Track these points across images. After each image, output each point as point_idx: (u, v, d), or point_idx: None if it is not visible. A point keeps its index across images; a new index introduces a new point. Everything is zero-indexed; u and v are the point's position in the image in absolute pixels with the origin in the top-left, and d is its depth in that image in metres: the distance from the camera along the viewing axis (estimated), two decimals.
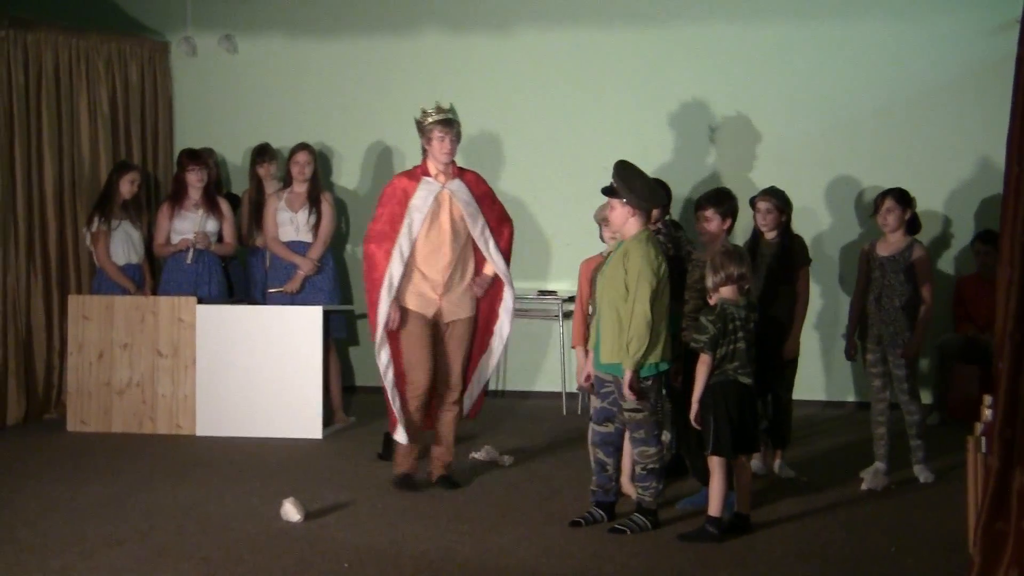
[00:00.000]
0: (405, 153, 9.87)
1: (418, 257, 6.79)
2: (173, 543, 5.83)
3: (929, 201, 8.14)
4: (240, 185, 9.54)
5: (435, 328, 6.88)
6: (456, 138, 6.82)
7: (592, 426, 6.19)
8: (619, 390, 5.95)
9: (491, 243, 6.89)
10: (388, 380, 6.84)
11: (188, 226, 8.64)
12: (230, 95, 10.28)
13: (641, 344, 5.83)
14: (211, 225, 8.70)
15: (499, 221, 6.99)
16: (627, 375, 5.85)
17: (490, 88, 9.81)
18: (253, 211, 9.03)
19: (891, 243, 6.96)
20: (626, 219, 5.98)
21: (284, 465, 7.49)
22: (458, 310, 6.88)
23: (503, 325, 7.06)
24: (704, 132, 9.42)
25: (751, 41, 9.35)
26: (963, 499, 5.60)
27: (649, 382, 5.96)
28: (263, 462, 7.57)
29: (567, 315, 9.56)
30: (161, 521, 6.21)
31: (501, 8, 9.81)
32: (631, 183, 5.97)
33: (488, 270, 6.95)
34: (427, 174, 6.84)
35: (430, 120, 6.77)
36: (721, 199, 6.81)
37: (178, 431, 8.40)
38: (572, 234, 9.61)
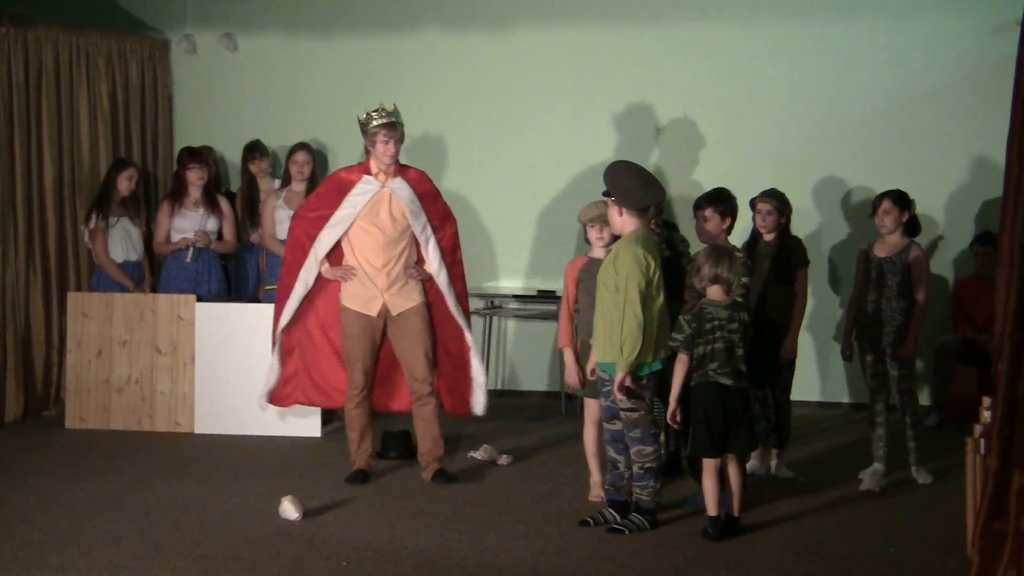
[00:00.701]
0: (402, 152, 9.84)
1: (358, 256, 6.93)
2: (171, 540, 5.83)
3: (927, 202, 8.12)
4: (238, 183, 9.54)
5: (382, 328, 6.98)
6: (400, 140, 6.94)
7: (604, 424, 6.19)
8: (611, 392, 5.98)
9: (431, 242, 6.99)
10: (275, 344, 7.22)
11: (188, 224, 8.64)
12: (230, 93, 10.27)
13: (634, 345, 5.83)
14: (211, 223, 8.70)
15: (442, 219, 7.09)
16: (619, 376, 5.86)
17: (489, 87, 9.81)
18: (246, 207, 9.03)
19: (889, 244, 6.96)
20: (621, 219, 6.00)
21: (282, 463, 7.49)
22: (404, 301, 6.96)
23: (464, 330, 7.15)
24: (703, 132, 9.41)
25: (748, 41, 9.33)
26: (961, 500, 5.60)
27: (643, 381, 5.96)
28: (261, 460, 7.58)
29: None
30: (159, 518, 6.21)
31: (501, 7, 9.80)
32: (620, 183, 5.98)
33: (427, 268, 7.06)
34: (368, 172, 6.96)
35: (375, 123, 6.87)
36: (720, 199, 6.84)
37: (176, 428, 8.40)
38: (571, 233, 9.59)
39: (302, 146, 8.78)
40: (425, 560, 5.55)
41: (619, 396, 5.87)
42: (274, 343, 7.29)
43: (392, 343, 7.06)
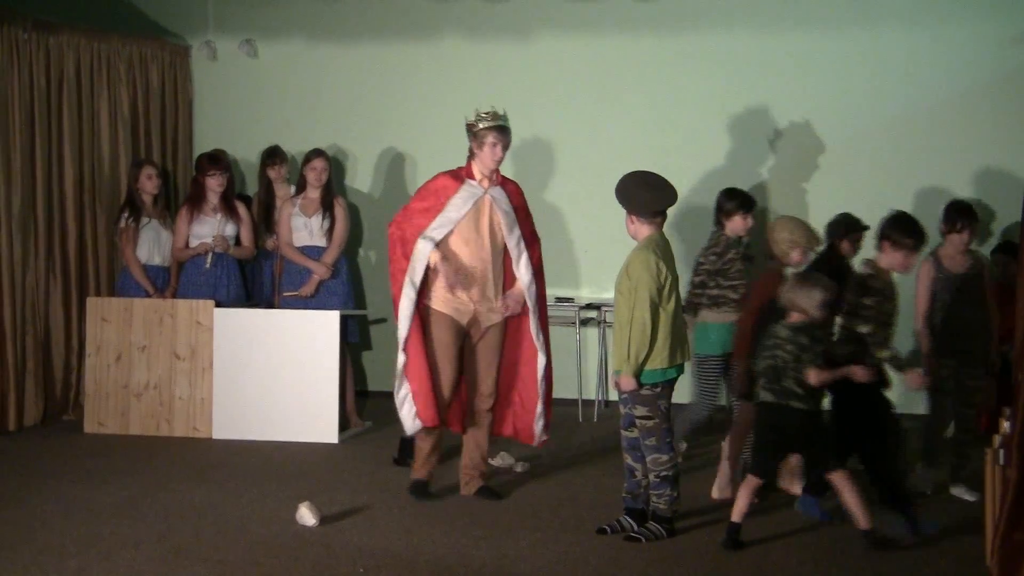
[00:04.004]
0: (420, 159, 9.89)
1: (455, 261, 6.71)
2: (190, 545, 5.85)
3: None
4: (254, 187, 9.56)
5: (466, 337, 6.80)
6: (507, 146, 6.72)
7: (622, 432, 6.20)
8: (630, 397, 6.00)
9: (524, 256, 6.79)
10: (399, 365, 6.67)
11: (207, 230, 8.67)
12: (250, 99, 10.31)
13: (639, 349, 5.86)
14: (230, 229, 8.73)
15: (531, 236, 6.91)
16: (622, 378, 5.92)
17: (510, 95, 9.74)
18: (263, 213, 9.06)
19: (959, 258, 6.93)
20: (634, 227, 6.05)
21: (300, 469, 7.50)
22: (493, 315, 6.80)
23: (540, 348, 6.87)
24: (722, 140, 9.40)
25: (769, 51, 9.32)
26: (981, 510, 5.57)
27: (658, 389, 5.97)
28: (279, 466, 7.59)
29: (584, 322, 9.56)
30: (178, 523, 6.23)
31: (521, 15, 9.81)
32: (630, 193, 6.00)
33: (517, 287, 6.82)
34: (471, 176, 6.77)
35: (484, 125, 6.65)
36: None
37: (195, 434, 8.42)
38: (591, 241, 9.61)
39: (320, 153, 8.78)
40: (443, 567, 5.55)
41: (620, 388, 5.96)
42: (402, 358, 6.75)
43: (467, 354, 6.86)
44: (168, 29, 10.36)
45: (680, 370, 6.05)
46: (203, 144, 10.04)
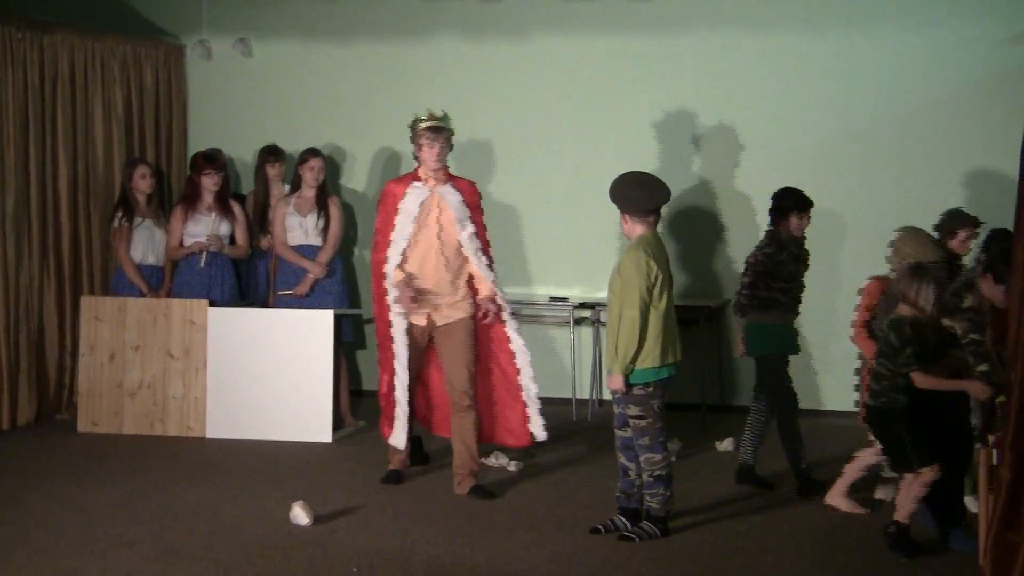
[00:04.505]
0: (414, 159, 9.87)
1: (410, 262, 6.88)
2: (184, 545, 5.85)
3: (938, 212, 8.01)
4: (249, 186, 9.55)
5: (428, 337, 6.98)
6: (447, 145, 6.91)
7: (616, 431, 6.20)
8: (623, 397, 6.02)
9: (481, 255, 6.95)
10: (400, 383, 6.95)
11: (201, 229, 8.66)
12: (244, 98, 10.30)
13: (628, 348, 5.88)
14: (224, 228, 8.73)
15: (484, 235, 7.05)
16: (612, 377, 5.95)
17: (504, 94, 9.82)
18: (259, 212, 9.05)
19: None
20: (628, 226, 6.07)
21: (294, 468, 7.51)
22: (452, 312, 6.94)
23: (515, 340, 7.07)
24: (718, 140, 9.41)
25: (760, 50, 9.32)
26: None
27: (650, 388, 5.98)
28: (273, 465, 7.59)
29: (578, 321, 9.56)
30: (172, 523, 6.23)
31: (516, 15, 9.80)
32: (621, 193, 6.05)
33: (483, 289, 6.97)
34: (417, 179, 6.94)
35: (420, 127, 6.87)
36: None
37: (188, 433, 8.42)
38: (584, 240, 9.60)
39: (316, 152, 8.77)
40: (437, 567, 5.56)
41: (610, 387, 5.99)
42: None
43: (437, 355, 7.06)
44: (162, 28, 10.34)
45: (673, 370, 6.05)
46: (197, 143, 10.03)
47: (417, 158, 6.96)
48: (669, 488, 6.05)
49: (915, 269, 5.87)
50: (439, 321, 6.93)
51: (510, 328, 7.06)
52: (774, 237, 6.98)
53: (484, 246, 7.02)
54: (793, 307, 7.01)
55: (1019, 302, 4.62)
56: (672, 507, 6.12)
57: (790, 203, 6.97)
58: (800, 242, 7.05)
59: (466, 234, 6.90)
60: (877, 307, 6.46)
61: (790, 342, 7.04)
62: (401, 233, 6.86)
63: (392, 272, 6.87)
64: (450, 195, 6.91)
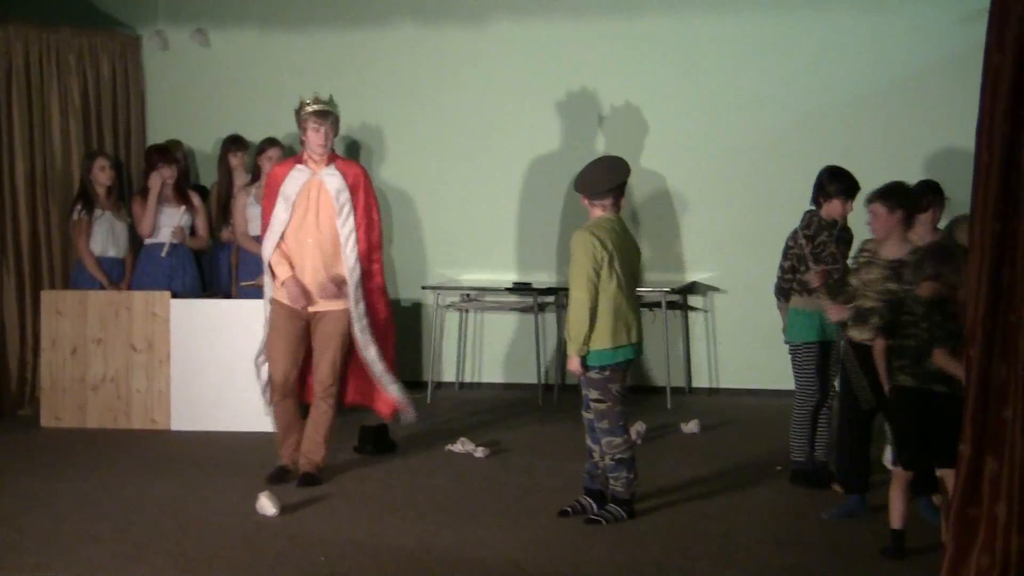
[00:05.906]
0: (375, 147, 9.86)
1: (289, 245, 6.84)
2: (150, 539, 5.82)
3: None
4: (211, 178, 9.50)
5: (306, 321, 6.91)
6: (333, 129, 6.89)
7: (583, 414, 6.20)
8: (585, 380, 6.04)
9: (351, 239, 6.86)
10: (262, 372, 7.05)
11: (164, 220, 8.61)
12: (202, 89, 10.22)
13: (580, 329, 5.90)
14: (185, 219, 8.68)
15: (366, 220, 6.93)
16: (571, 360, 5.97)
17: (466, 81, 9.80)
18: (222, 202, 9.00)
19: (929, 238, 6.42)
20: (590, 209, 6.08)
21: (260, 459, 7.44)
22: (326, 302, 6.88)
23: (356, 320, 6.88)
24: (683, 123, 9.42)
25: (725, 33, 9.34)
26: None
27: (607, 372, 5.98)
28: (239, 456, 7.56)
29: (542, 307, 9.57)
30: (138, 517, 6.20)
31: (477, 1, 9.79)
32: (579, 175, 6.09)
33: (337, 271, 6.87)
34: (300, 162, 6.93)
35: (306, 110, 6.86)
36: (890, 193, 6.29)
37: (153, 426, 8.37)
38: (547, 226, 9.61)
39: (275, 142, 8.75)
40: (406, 554, 5.56)
41: (570, 369, 6.02)
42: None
43: (311, 338, 6.99)
44: (118, 19, 10.25)
45: (631, 352, 6.04)
46: (156, 135, 9.95)
47: (302, 142, 6.95)
48: (632, 471, 6.06)
49: (946, 249, 5.65)
50: (312, 308, 6.87)
51: (355, 319, 6.86)
52: (812, 218, 6.74)
53: (367, 229, 6.91)
54: (836, 290, 6.53)
55: (977, 279, 4.65)
56: (637, 489, 6.14)
57: (837, 188, 6.66)
58: (841, 223, 6.77)
59: (342, 219, 6.83)
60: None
61: (826, 329, 6.62)
62: (277, 218, 6.84)
63: (268, 255, 6.85)
64: (330, 178, 6.86)
